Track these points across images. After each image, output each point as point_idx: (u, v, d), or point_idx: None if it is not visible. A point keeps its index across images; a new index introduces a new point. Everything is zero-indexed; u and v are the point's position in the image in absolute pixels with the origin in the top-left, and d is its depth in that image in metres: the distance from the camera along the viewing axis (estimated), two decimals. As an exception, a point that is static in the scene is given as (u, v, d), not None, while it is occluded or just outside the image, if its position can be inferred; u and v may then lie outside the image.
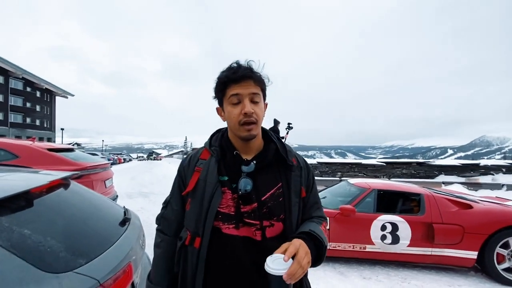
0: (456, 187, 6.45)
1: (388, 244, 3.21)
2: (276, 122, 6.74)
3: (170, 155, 67.23)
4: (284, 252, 0.69)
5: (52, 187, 1.51)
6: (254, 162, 0.85)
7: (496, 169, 7.32)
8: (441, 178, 7.32)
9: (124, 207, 1.93)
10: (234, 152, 0.87)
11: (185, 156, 0.99)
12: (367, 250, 3.26)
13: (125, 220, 1.68)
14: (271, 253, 0.70)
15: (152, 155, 58.30)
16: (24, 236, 1.10)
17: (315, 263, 0.79)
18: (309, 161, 8.11)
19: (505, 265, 3.03)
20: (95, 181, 3.57)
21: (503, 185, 6.88)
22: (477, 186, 6.69)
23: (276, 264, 0.65)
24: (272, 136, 0.94)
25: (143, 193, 8.16)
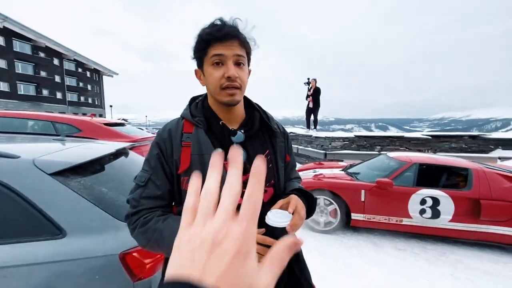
0: (515, 163, 5.80)
1: (427, 219, 3.14)
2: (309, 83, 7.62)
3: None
4: (281, 207, 0.75)
5: (117, 154, 1.78)
6: (242, 131, 0.82)
7: None
8: (498, 152, 6.59)
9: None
10: (220, 122, 0.82)
11: (159, 128, 0.87)
12: (403, 223, 3.24)
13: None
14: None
15: None
16: (103, 193, 1.36)
17: (307, 215, 0.83)
18: (346, 134, 7.89)
19: None
20: (145, 152, 3.99)
21: None
22: (541, 162, 5.93)
23: (278, 217, 0.69)
24: (254, 103, 0.91)
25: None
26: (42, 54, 31.31)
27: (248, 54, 0.80)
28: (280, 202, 0.76)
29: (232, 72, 0.73)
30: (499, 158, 6.42)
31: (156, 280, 1.26)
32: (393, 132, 8.66)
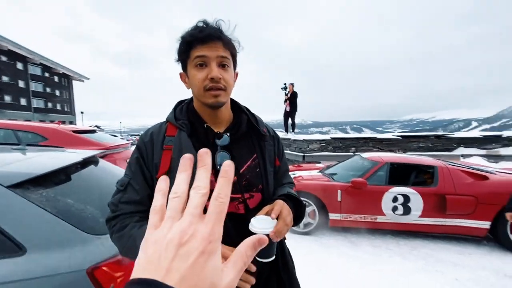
0: (475, 159, 6.29)
1: (399, 215, 3.30)
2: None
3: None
4: (266, 214, 0.71)
5: (85, 163, 1.69)
6: (228, 134, 0.80)
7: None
8: (460, 150, 7.11)
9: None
10: (205, 125, 0.79)
11: (143, 133, 0.85)
12: (377, 220, 3.37)
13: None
14: None
15: None
16: (68, 204, 1.28)
17: (295, 221, 0.80)
18: (322, 136, 8.10)
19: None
20: (118, 160, 3.82)
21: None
22: (498, 158, 6.48)
23: (262, 224, 0.67)
24: (241, 106, 0.89)
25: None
26: (4, 58, 29.12)
27: (233, 56, 0.78)
28: (266, 208, 0.74)
29: (215, 73, 0.72)
30: (462, 155, 6.92)
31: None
32: (367, 133, 9.04)
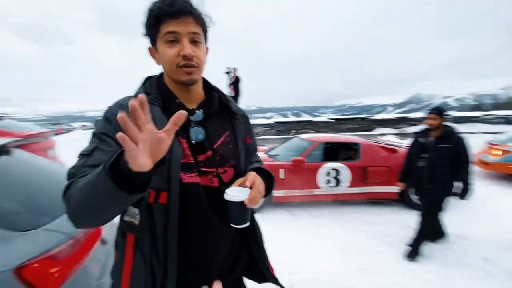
0: (389, 137, 7.50)
1: (332, 187, 3.77)
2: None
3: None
4: (240, 185, 0.74)
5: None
6: (201, 110, 0.80)
7: (420, 121, 8.72)
8: (379, 130, 8.39)
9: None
10: (177, 101, 0.78)
11: (111, 104, 0.79)
12: (315, 193, 3.78)
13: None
14: None
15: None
16: (-21, 201, 1.08)
17: (267, 192, 0.83)
18: (267, 121, 8.42)
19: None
20: (37, 151, 3.29)
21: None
22: (406, 135, 7.87)
23: (236, 192, 0.70)
24: (212, 84, 0.89)
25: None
26: None
27: (205, 31, 0.77)
28: (239, 180, 0.76)
29: (188, 50, 0.70)
30: (380, 134, 8.16)
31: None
32: (305, 117, 9.77)
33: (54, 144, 4.05)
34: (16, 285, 0.99)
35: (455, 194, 2.56)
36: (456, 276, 2.33)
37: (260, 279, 0.92)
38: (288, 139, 5.17)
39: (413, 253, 2.60)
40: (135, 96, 0.76)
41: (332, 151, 4.06)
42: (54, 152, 3.98)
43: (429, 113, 2.60)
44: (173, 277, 0.71)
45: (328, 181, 3.76)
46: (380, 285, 2.23)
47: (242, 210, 0.70)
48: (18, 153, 1.68)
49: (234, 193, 0.70)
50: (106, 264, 1.45)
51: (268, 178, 0.86)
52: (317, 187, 3.76)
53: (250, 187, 0.72)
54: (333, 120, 8.42)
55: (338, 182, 3.76)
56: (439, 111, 2.58)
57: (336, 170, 3.75)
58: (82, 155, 0.69)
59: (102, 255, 1.45)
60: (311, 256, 2.65)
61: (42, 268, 1.05)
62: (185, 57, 0.70)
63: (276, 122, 8.19)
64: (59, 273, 1.09)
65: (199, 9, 0.74)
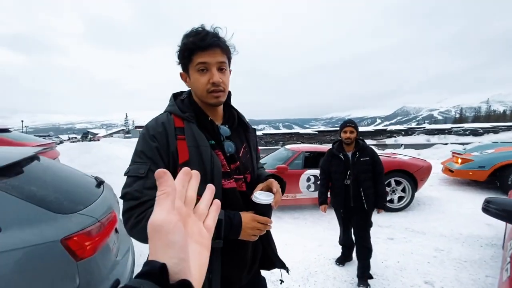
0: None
1: (311, 191, 4.21)
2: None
3: (110, 135, 59.95)
4: (262, 189, 0.88)
5: (32, 158, 1.80)
6: (227, 126, 0.94)
7: (398, 133, 9.42)
8: (367, 142, 9.01)
9: (91, 175, 2.29)
10: (209, 119, 0.90)
11: (148, 122, 0.89)
12: (297, 197, 4.21)
13: (100, 182, 2.07)
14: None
15: (87, 135, 48.30)
16: (33, 191, 1.47)
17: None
18: (257, 132, 8.88)
19: (388, 197, 4.32)
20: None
21: (401, 144, 8.96)
22: (384, 146, 8.50)
23: (264, 196, 0.82)
24: (230, 103, 1.02)
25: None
26: None
27: (229, 59, 0.90)
28: (261, 185, 0.89)
29: (216, 78, 0.83)
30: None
31: (96, 260, 1.49)
32: (296, 129, 10.33)
33: (59, 154, 4.37)
34: (62, 250, 1.36)
35: (375, 206, 2.43)
36: (411, 263, 2.76)
37: (268, 266, 1.06)
38: (276, 149, 5.64)
39: (368, 276, 2.38)
40: (170, 113, 0.89)
41: (312, 160, 4.54)
42: (59, 161, 4.30)
43: (347, 126, 2.39)
44: (218, 271, 0.80)
45: (309, 186, 4.20)
46: (344, 272, 2.64)
47: (269, 211, 0.86)
48: (45, 159, 2.06)
49: (263, 197, 0.82)
50: (119, 248, 1.83)
51: (281, 183, 0.99)
52: (299, 192, 4.20)
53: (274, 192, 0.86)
54: (317, 132, 8.99)
55: (317, 186, 4.21)
56: (355, 124, 2.46)
57: (315, 176, 4.21)
58: (137, 177, 0.77)
59: (116, 241, 1.82)
60: (290, 250, 3.05)
61: (80, 240, 1.43)
62: (214, 84, 0.84)
63: (265, 134, 8.67)
64: (91, 245, 1.47)
65: (225, 41, 0.87)
